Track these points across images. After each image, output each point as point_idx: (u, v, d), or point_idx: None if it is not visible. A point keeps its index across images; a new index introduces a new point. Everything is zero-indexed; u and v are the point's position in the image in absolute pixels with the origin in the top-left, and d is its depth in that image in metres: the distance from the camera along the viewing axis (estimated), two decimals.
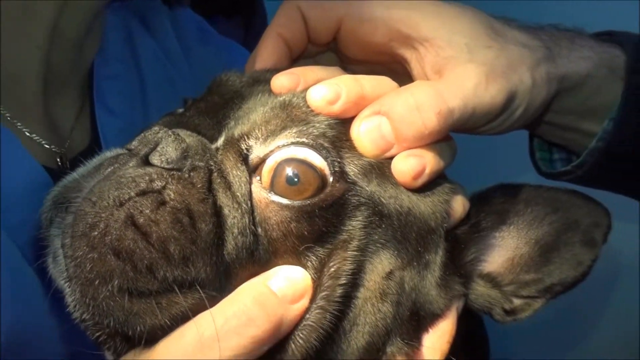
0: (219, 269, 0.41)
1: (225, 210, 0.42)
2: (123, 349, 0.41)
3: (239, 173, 0.44)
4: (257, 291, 0.40)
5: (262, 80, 0.51)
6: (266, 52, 0.56)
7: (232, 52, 0.88)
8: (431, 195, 0.48)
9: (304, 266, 0.43)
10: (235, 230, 0.42)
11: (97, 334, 0.41)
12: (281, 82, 0.49)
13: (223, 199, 0.43)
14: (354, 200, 0.44)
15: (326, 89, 0.46)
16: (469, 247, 0.52)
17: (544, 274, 0.51)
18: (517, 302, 0.52)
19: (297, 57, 0.59)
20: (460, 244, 0.51)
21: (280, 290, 0.41)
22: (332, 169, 0.43)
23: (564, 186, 0.56)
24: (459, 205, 0.50)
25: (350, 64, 0.60)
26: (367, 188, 0.44)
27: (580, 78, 0.55)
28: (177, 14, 0.83)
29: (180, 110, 0.53)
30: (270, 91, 0.49)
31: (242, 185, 0.43)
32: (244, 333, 0.38)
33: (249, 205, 0.43)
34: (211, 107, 0.49)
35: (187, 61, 0.81)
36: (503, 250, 0.53)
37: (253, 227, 0.42)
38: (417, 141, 0.46)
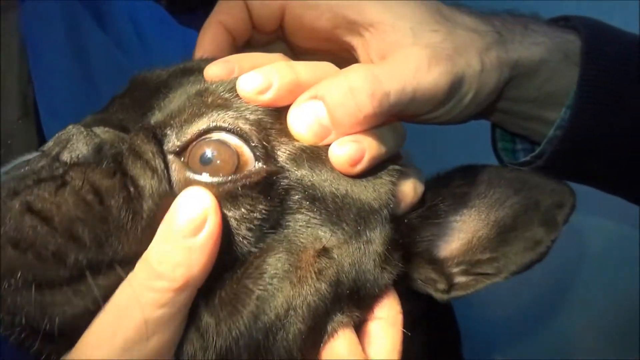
0: (142, 241, 0.39)
1: (141, 181, 0.41)
2: (47, 349, 0.39)
3: (150, 147, 0.42)
4: (154, 248, 0.38)
5: (193, 70, 0.50)
6: (206, 40, 0.55)
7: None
8: (375, 178, 0.46)
9: (231, 239, 0.41)
10: (156, 196, 0.40)
11: (17, 337, 0.39)
12: (214, 71, 0.47)
13: (135, 170, 0.41)
14: (283, 184, 0.43)
15: (256, 78, 0.44)
16: (422, 232, 0.51)
17: (499, 254, 0.51)
18: (463, 279, 0.51)
19: (243, 46, 0.58)
20: (411, 228, 0.50)
21: (179, 228, 0.37)
22: (255, 152, 0.42)
23: None
24: (409, 189, 0.49)
25: (300, 54, 0.59)
26: (296, 172, 0.43)
27: (533, 64, 0.54)
28: (135, 5, 0.80)
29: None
30: (200, 81, 0.47)
31: (156, 155, 0.42)
32: (155, 287, 0.37)
33: (167, 174, 0.42)
34: (136, 101, 0.48)
35: (145, 55, 0.78)
36: (462, 234, 0.52)
37: (171, 192, 0.41)
38: (354, 126, 0.44)
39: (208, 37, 0.55)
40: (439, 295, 0.51)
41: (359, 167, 0.45)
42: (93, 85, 0.70)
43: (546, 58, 0.55)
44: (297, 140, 0.44)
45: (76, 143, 0.42)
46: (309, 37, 0.55)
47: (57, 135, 0.43)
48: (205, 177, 0.41)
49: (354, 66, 0.47)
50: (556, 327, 1.10)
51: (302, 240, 0.43)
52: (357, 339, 0.44)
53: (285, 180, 0.43)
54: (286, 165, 0.43)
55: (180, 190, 0.41)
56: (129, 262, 0.39)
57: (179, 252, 0.37)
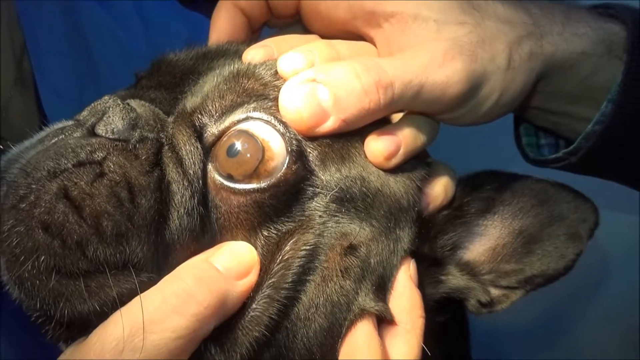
0: (158, 249, 0.40)
1: (174, 187, 0.41)
2: (62, 336, 0.40)
3: (192, 149, 0.42)
4: (198, 268, 0.39)
5: (221, 53, 0.49)
6: (220, 22, 0.53)
7: (201, 25, 0.83)
8: (405, 175, 0.47)
9: (261, 245, 0.42)
10: (182, 210, 0.41)
11: (35, 315, 0.39)
12: (252, 56, 0.46)
13: (173, 174, 0.41)
14: (309, 191, 0.43)
15: (296, 58, 0.43)
16: (449, 232, 0.51)
17: (525, 265, 0.51)
18: (494, 292, 0.52)
19: (258, 28, 0.56)
20: (439, 228, 0.50)
21: (224, 266, 0.40)
22: (289, 147, 0.42)
23: (553, 174, 0.56)
24: (440, 188, 0.49)
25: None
26: (323, 176, 0.43)
27: (573, 57, 0.51)
28: None
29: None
30: (233, 63, 0.47)
31: (196, 162, 0.42)
32: (185, 311, 0.37)
33: (201, 184, 0.42)
34: (166, 84, 0.48)
35: (147, 34, 0.75)
36: (485, 239, 0.52)
37: (202, 209, 0.41)
38: (357, 111, 0.42)
39: (223, 18, 0.53)
40: (477, 309, 0.51)
41: (394, 161, 0.45)
42: (92, 63, 0.68)
43: (588, 51, 0.51)
44: (294, 127, 0.42)
45: (112, 116, 0.42)
46: (325, 27, 0.52)
47: (92, 104, 0.43)
48: (236, 185, 0.42)
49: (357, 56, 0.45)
50: (560, 329, 1.10)
51: (327, 240, 0.43)
52: (377, 333, 0.43)
53: (311, 189, 0.43)
54: (315, 167, 0.43)
55: (212, 196, 0.42)
56: (142, 269, 0.39)
57: (221, 280, 0.39)
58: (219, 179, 0.42)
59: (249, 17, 0.54)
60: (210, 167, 0.42)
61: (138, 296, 0.38)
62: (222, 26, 0.53)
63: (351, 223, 0.43)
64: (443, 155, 0.53)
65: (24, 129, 0.49)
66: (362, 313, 0.43)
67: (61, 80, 0.62)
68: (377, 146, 0.44)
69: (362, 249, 0.43)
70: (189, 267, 0.40)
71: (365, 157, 0.45)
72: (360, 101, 0.42)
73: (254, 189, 0.41)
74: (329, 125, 0.42)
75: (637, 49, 0.51)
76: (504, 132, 0.62)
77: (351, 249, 0.43)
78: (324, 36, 0.54)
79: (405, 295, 0.45)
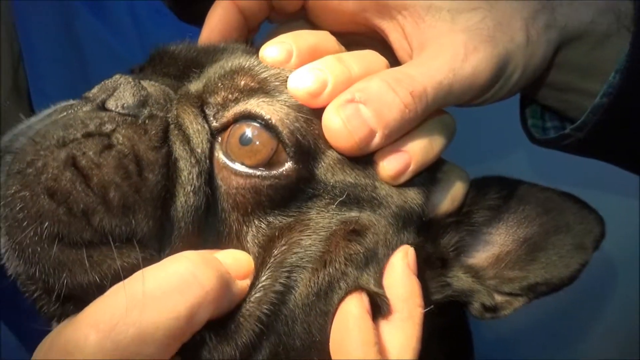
0: (163, 225, 0.40)
1: (181, 164, 0.42)
2: (57, 311, 0.39)
3: (199, 128, 0.43)
4: (203, 255, 0.39)
5: (224, 49, 0.50)
6: (214, 19, 0.53)
7: (196, 37, 0.84)
8: (413, 187, 0.47)
9: (252, 235, 0.43)
10: (189, 187, 0.41)
11: (30, 290, 0.39)
12: (271, 53, 0.45)
13: (180, 151, 0.42)
14: (309, 192, 0.43)
15: (308, 77, 0.43)
16: (451, 232, 0.51)
17: (528, 272, 0.52)
18: (497, 298, 0.51)
19: (255, 27, 0.56)
20: (442, 228, 0.51)
21: (226, 262, 0.40)
22: (287, 150, 0.42)
23: (559, 179, 0.56)
24: (447, 201, 0.49)
25: None
26: (328, 180, 0.44)
27: (582, 26, 0.52)
28: None
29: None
30: (238, 56, 0.47)
31: (203, 142, 0.43)
32: (187, 292, 0.37)
33: (208, 163, 0.42)
34: (172, 74, 0.49)
35: (141, 43, 0.77)
36: (489, 246, 0.53)
37: (208, 189, 0.42)
38: (399, 123, 0.43)
39: (217, 16, 0.53)
40: (481, 314, 0.51)
41: (403, 178, 0.45)
42: (87, 71, 0.69)
43: (596, 20, 0.52)
44: (341, 150, 0.43)
45: (123, 92, 0.43)
46: (334, 20, 0.53)
47: (102, 82, 0.44)
48: (237, 166, 0.42)
49: (384, 71, 0.46)
50: (558, 329, 1.10)
51: (328, 226, 0.43)
52: (369, 316, 0.42)
53: (311, 190, 0.43)
54: (321, 175, 0.43)
55: (216, 175, 0.42)
56: (145, 245, 0.39)
57: (225, 269, 0.39)
58: (222, 158, 0.43)
59: (247, 16, 0.54)
60: (217, 146, 0.43)
61: (140, 271, 0.37)
62: (215, 24, 0.53)
63: (355, 213, 0.44)
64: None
65: None
66: (355, 289, 0.42)
67: (55, 88, 0.63)
68: (386, 165, 0.44)
69: (368, 236, 0.44)
70: (195, 253, 0.39)
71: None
72: (401, 112, 0.43)
73: (254, 174, 0.42)
74: (377, 141, 0.43)
75: None
76: (508, 114, 0.63)
77: (355, 234, 0.43)
78: (330, 31, 0.54)
79: (402, 283, 0.44)
